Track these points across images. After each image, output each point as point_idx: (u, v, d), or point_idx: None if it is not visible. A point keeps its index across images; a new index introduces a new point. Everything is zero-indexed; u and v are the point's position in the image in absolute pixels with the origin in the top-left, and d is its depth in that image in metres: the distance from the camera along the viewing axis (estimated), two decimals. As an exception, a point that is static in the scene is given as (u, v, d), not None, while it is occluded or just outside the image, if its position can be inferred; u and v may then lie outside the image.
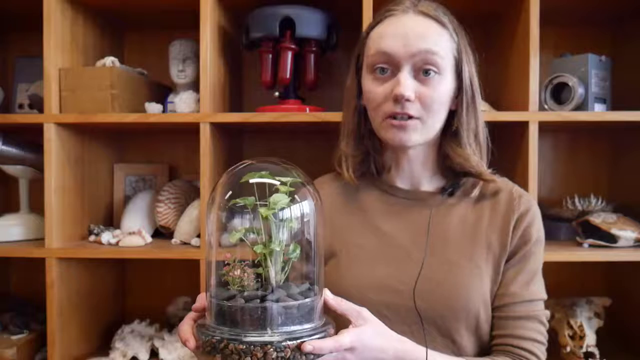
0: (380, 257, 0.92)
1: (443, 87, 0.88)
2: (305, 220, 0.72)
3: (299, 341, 0.64)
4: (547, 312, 0.92)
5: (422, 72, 0.86)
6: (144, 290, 1.70)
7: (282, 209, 0.68)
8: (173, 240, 1.43)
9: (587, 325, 1.35)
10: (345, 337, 0.69)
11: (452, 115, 0.92)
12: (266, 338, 0.64)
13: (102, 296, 1.57)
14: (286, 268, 0.70)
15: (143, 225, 1.48)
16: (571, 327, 1.36)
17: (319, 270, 0.75)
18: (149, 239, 1.43)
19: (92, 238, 1.45)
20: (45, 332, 1.36)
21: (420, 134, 0.89)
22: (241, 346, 0.63)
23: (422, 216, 0.93)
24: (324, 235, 0.95)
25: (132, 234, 1.42)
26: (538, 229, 0.93)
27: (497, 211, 0.93)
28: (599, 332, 1.38)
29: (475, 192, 0.94)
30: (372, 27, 0.92)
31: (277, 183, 0.70)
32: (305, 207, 0.72)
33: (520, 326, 0.88)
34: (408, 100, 0.86)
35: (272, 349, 0.63)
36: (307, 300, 0.68)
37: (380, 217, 0.95)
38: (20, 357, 1.40)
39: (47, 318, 1.34)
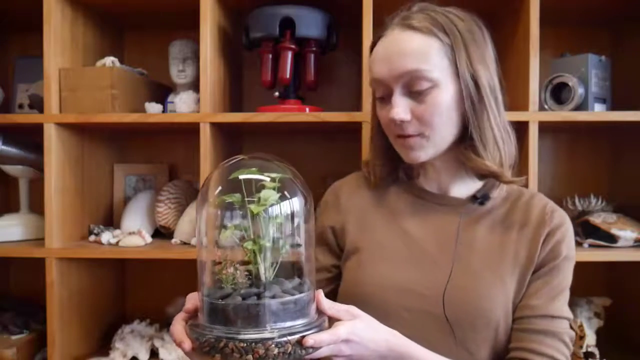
0: (404, 259, 0.91)
1: (442, 98, 0.85)
2: (295, 215, 0.72)
3: (299, 336, 0.65)
4: (572, 333, 0.88)
5: (414, 88, 0.85)
6: (144, 290, 1.70)
7: (272, 205, 0.68)
8: (173, 240, 1.43)
9: (587, 325, 1.35)
10: (341, 329, 0.70)
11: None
12: (266, 334, 0.64)
13: (102, 296, 1.57)
14: (275, 264, 0.70)
15: (143, 225, 1.48)
16: (571, 327, 1.36)
17: (310, 265, 0.75)
18: (149, 239, 1.43)
19: (92, 238, 1.45)
20: (45, 332, 1.35)
21: (427, 148, 0.88)
22: (242, 344, 0.63)
23: (450, 223, 0.92)
24: (350, 232, 0.96)
25: (132, 234, 1.42)
26: (569, 246, 0.90)
27: (527, 225, 0.90)
28: (599, 332, 1.37)
29: (501, 193, 0.93)
30: (371, 49, 0.92)
31: (266, 179, 0.69)
32: (295, 202, 0.72)
33: (538, 341, 0.85)
34: (404, 121, 0.85)
35: (273, 345, 0.63)
36: (303, 294, 0.68)
37: (408, 220, 0.94)
38: (20, 357, 1.40)
39: (47, 318, 1.34)
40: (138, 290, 1.70)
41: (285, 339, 0.64)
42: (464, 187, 0.95)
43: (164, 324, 1.58)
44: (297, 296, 0.67)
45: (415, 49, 0.84)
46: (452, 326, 0.85)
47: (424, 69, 0.83)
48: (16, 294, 1.70)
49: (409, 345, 0.78)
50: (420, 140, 0.87)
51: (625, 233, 1.30)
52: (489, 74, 0.88)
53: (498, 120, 0.88)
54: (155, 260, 1.45)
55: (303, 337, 0.65)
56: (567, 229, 0.91)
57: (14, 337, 1.44)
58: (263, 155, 0.75)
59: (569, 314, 0.89)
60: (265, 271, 0.68)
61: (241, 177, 0.69)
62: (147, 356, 1.43)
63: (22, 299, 1.65)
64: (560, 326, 0.87)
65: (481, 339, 0.85)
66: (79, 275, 1.44)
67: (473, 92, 0.86)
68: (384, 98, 0.89)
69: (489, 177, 0.90)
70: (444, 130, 0.87)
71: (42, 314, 1.40)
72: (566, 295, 0.90)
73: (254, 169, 0.71)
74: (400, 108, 0.85)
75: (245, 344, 0.63)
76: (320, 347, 0.67)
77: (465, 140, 0.89)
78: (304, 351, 0.65)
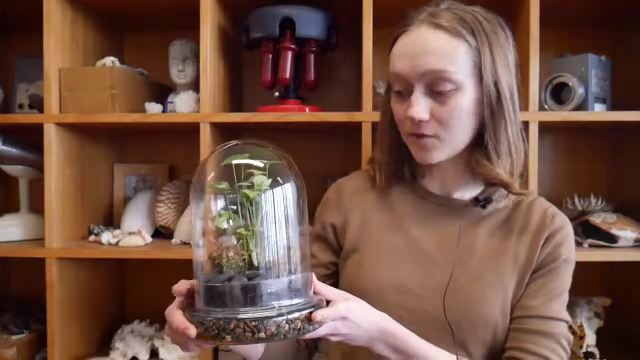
0: (404, 259, 0.91)
1: (462, 101, 0.83)
2: (288, 201, 0.72)
3: (307, 312, 0.66)
4: (570, 336, 0.87)
5: (437, 88, 0.83)
6: (144, 290, 1.69)
7: (266, 190, 0.69)
8: (173, 240, 1.43)
9: (587, 325, 1.35)
10: (340, 306, 0.71)
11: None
12: (276, 312, 0.65)
13: (102, 296, 1.57)
14: (268, 248, 0.70)
15: (143, 225, 1.48)
16: (571, 327, 1.36)
17: (304, 248, 0.75)
18: (149, 239, 1.43)
19: (92, 238, 1.45)
20: (45, 332, 1.36)
21: (441, 150, 0.87)
22: (253, 322, 0.63)
23: (451, 225, 0.92)
24: (351, 231, 0.97)
25: (132, 234, 1.42)
26: (569, 250, 0.90)
27: (528, 228, 0.90)
28: (599, 332, 1.38)
29: (507, 202, 0.93)
30: (393, 41, 0.90)
31: (260, 165, 0.70)
32: (287, 187, 0.72)
33: (532, 341, 0.84)
34: (422, 120, 0.84)
35: (284, 322, 0.64)
36: (303, 274, 0.70)
37: (409, 220, 0.94)
38: (20, 357, 1.40)
39: (47, 318, 1.34)
40: (138, 290, 1.70)
41: (295, 315, 0.65)
42: (468, 190, 0.95)
43: (164, 324, 1.58)
44: (298, 275, 0.69)
45: (442, 50, 0.82)
46: (451, 327, 0.85)
47: (449, 70, 0.82)
48: (16, 294, 1.70)
49: (397, 328, 0.78)
50: (435, 142, 0.86)
51: (625, 233, 1.30)
52: (510, 79, 0.86)
53: (514, 128, 0.88)
54: (155, 260, 1.45)
55: (310, 312, 0.66)
56: (568, 233, 0.91)
57: (14, 337, 1.44)
58: (257, 142, 0.75)
59: (567, 317, 0.88)
60: (258, 256, 0.68)
61: (234, 162, 0.69)
62: (147, 356, 1.43)
63: (22, 299, 1.65)
64: (556, 328, 0.86)
65: (479, 339, 0.86)
66: (79, 275, 1.44)
67: (494, 100, 0.84)
68: (402, 93, 0.87)
69: (498, 185, 0.89)
70: (460, 133, 0.86)
71: (42, 314, 1.40)
72: (564, 298, 0.89)
73: (247, 154, 0.72)
74: (421, 107, 0.84)
75: (256, 322, 0.63)
76: (324, 323, 0.68)
77: (479, 145, 0.88)
78: (310, 327, 0.67)
